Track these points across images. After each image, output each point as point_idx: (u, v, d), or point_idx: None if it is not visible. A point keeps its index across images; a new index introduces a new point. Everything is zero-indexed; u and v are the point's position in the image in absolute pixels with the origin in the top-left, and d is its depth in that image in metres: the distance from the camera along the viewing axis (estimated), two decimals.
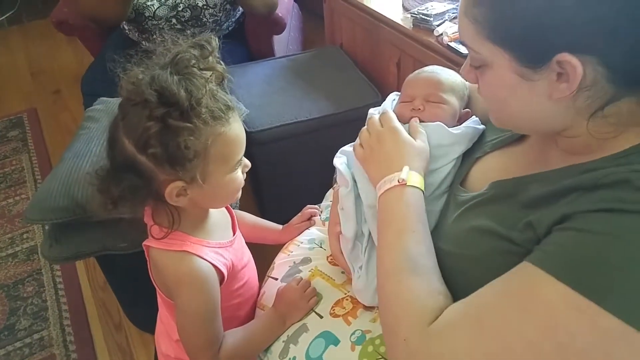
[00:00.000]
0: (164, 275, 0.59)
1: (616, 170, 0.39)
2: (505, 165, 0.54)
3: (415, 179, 0.54)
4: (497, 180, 0.51)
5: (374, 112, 0.68)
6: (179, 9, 1.33)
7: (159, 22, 1.34)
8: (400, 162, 0.55)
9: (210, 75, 0.53)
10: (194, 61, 0.52)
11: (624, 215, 0.37)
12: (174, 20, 1.35)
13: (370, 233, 0.59)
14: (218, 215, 0.66)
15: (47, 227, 0.94)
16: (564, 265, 0.38)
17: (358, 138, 0.63)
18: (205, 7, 1.35)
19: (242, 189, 0.61)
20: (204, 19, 1.37)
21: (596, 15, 0.36)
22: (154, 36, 1.39)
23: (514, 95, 0.43)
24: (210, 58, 0.54)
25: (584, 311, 0.36)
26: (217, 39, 0.55)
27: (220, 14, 1.40)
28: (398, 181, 0.53)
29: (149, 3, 1.31)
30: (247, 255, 0.71)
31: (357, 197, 0.62)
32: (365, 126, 0.63)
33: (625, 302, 0.35)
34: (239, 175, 0.59)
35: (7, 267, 1.39)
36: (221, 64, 0.55)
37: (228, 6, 1.41)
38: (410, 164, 0.55)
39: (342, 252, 0.62)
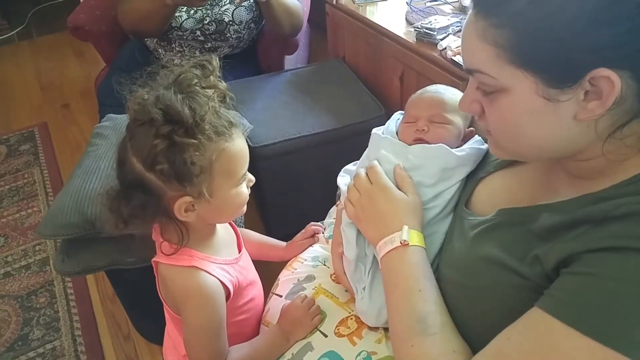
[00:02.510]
0: (172, 290, 0.60)
1: (626, 202, 0.38)
2: (511, 187, 0.53)
3: (416, 237, 0.54)
4: (504, 207, 0.49)
5: (377, 132, 0.68)
6: (205, 22, 1.35)
7: (184, 33, 1.36)
8: (397, 220, 0.55)
9: (213, 94, 0.55)
10: (196, 80, 0.54)
11: (636, 255, 0.36)
12: (198, 32, 1.37)
13: (374, 255, 0.59)
14: (224, 233, 0.68)
15: (59, 242, 0.96)
16: (581, 315, 0.37)
17: (347, 194, 0.62)
18: (231, 23, 1.37)
19: (247, 204, 0.63)
20: (228, 35, 1.39)
21: (635, 29, 0.35)
22: (173, 45, 1.42)
23: (534, 120, 0.41)
24: (212, 77, 0.56)
25: None
26: (217, 59, 0.57)
27: (244, 32, 1.41)
28: (400, 242, 0.53)
29: (177, 14, 1.33)
30: (253, 273, 0.72)
31: None
32: (352, 182, 0.62)
33: None
34: (244, 190, 0.60)
35: (21, 279, 1.42)
36: (222, 82, 0.57)
37: (252, 25, 1.42)
38: (408, 222, 0.54)
39: (345, 273, 0.63)
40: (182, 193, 0.54)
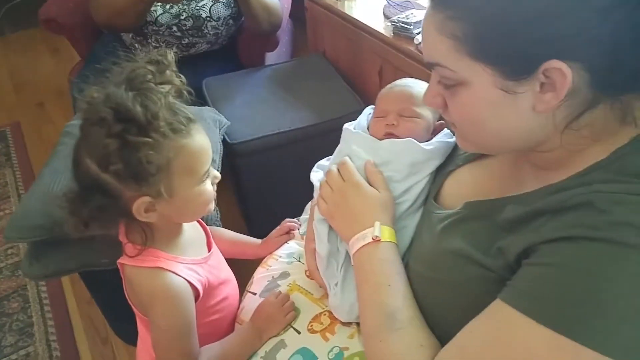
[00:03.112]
0: (139, 292, 0.59)
1: (580, 192, 0.39)
2: (478, 180, 0.54)
3: (387, 233, 0.54)
4: (471, 200, 0.50)
5: (348, 127, 0.68)
6: (182, 17, 1.33)
7: (160, 28, 1.33)
8: (369, 217, 0.55)
9: (169, 89, 0.53)
10: (149, 76, 0.52)
11: (588, 244, 0.36)
12: (174, 28, 1.35)
13: (347, 251, 0.59)
14: (192, 232, 0.66)
15: (27, 245, 0.93)
16: (538, 305, 0.38)
17: (319, 190, 0.62)
18: (208, 19, 1.35)
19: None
20: (205, 31, 1.37)
21: (582, 21, 0.36)
22: (149, 40, 1.39)
23: (494, 112, 0.42)
24: (168, 72, 0.54)
25: (566, 350, 0.35)
26: (173, 53, 0.55)
27: (222, 28, 1.40)
28: (372, 238, 0.53)
29: (152, 9, 1.30)
30: (226, 272, 0.71)
31: None
32: (325, 179, 0.62)
33: (600, 334, 0.35)
34: (208, 187, 0.59)
35: None
36: (179, 77, 0.56)
37: (231, 21, 1.41)
38: (380, 218, 0.55)
39: (317, 269, 0.62)
40: (140, 193, 0.53)
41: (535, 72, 0.38)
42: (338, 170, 0.61)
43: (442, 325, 0.48)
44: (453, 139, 0.62)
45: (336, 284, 0.59)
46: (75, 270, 0.95)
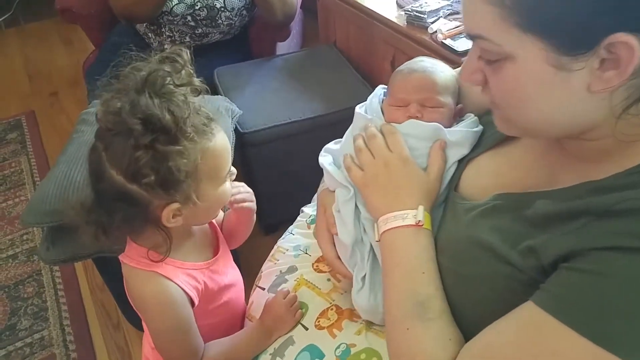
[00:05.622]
0: (131, 293, 0.58)
1: (630, 196, 0.35)
2: (502, 170, 0.50)
3: (428, 221, 0.50)
4: (499, 191, 0.46)
5: (359, 111, 0.63)
6: (196, 7, 1.34)
7: (175, 18, 1.35)
8: (413, 198, 0.50)
9: (187, 90, 0.51)
10: (168, 79, 0.49)
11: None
12: (189, 18, 1.36)
13: (371, 244, 0.55)
14: (199, 235, 0.64)
15: (44, 230, 0.95)
16: (579, 315, 0.35)
17: (351, 156, 0.56)
18: (222, 9, 1.36)
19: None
20: (219, 21, 1.38)
21: None
22: (163, 30, 1.41)
23: (543, 91, 0.36)
24: (184, 72, 0.52)
25: None
26: (187, 51, 0.53)
27: (236, 19, 1.40)
28: (416, 223, 0.49)
29: None
30: (231, 277, 0.68)
31: (357, 204, 0.57)
32: (363, 141, 0.56)
33: None
34: (228, 186, 0.58)
35: (8, 268, 1.41)
36: (195, 76, 0.53)
37: (244, 12, 1.41)
38: (423, 203, 0.50)
39: (339, 258, 0.58)
40: (169, 201, 0.51)
41: (597, 47, 0.33)
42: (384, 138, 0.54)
43: (464, 321, 0.46)
44: (479, 128, 0.58)
45: (363, 278, 0.55)
46: (90, 256, 0.96)
